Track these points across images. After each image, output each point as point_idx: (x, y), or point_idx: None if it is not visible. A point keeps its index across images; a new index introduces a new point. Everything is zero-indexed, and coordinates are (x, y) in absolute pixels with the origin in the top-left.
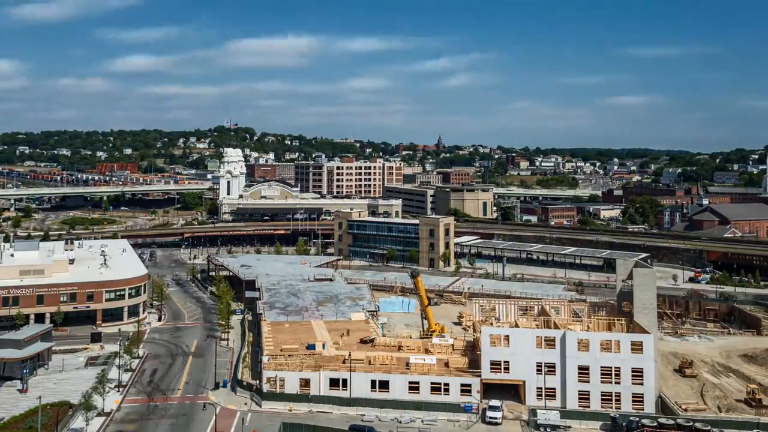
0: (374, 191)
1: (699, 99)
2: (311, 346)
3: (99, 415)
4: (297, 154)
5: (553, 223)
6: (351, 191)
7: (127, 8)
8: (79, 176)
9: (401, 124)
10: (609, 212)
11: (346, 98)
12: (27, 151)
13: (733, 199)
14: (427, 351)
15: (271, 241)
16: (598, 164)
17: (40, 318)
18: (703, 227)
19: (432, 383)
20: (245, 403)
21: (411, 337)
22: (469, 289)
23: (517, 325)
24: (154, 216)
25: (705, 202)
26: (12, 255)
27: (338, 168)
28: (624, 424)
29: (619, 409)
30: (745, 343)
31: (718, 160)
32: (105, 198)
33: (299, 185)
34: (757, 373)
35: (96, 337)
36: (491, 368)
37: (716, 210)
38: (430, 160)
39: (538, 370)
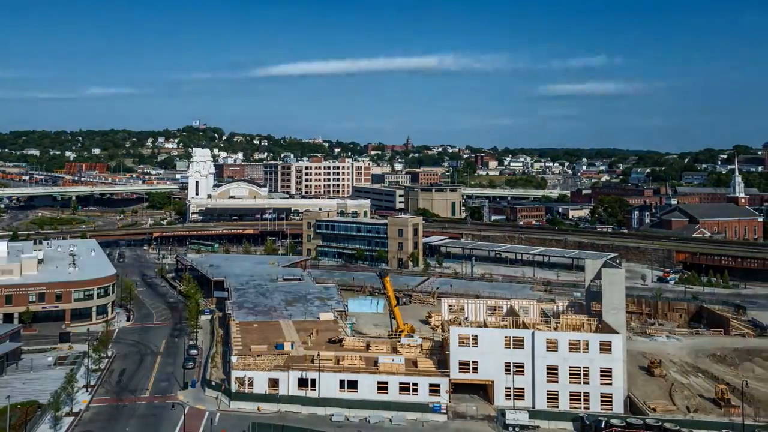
0: (343, 191)
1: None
2: (280, 346)
3: (68, 415)
4: (266, 154)
5: (521, 223)
6: (320, 191)
7: None
8: (48, 176)
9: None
10: (577, 212)
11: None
12: None
13: (701, 199)
14: (395, 351)
15: (239, 240)
16: (566, 164)
17: (8, 318)
18: (671, 227)
19: (400, 383)
20: (215, 401)
21: (380, 337)
22: (437, 289)
23: (485, 325)
24: (123, 216)
25: (673, 201)
26: None
27: (307, 168)
28: (592, 423)
29: (588, 409)
30: (713, 343)
31: (686, 160)
32: (74, 198)
33: (268, 185)
34: (725, 373)
35: (65, 337)
36: (460, 368)
37: (685, 210)
38: (399, 160)
39: (506, 370)
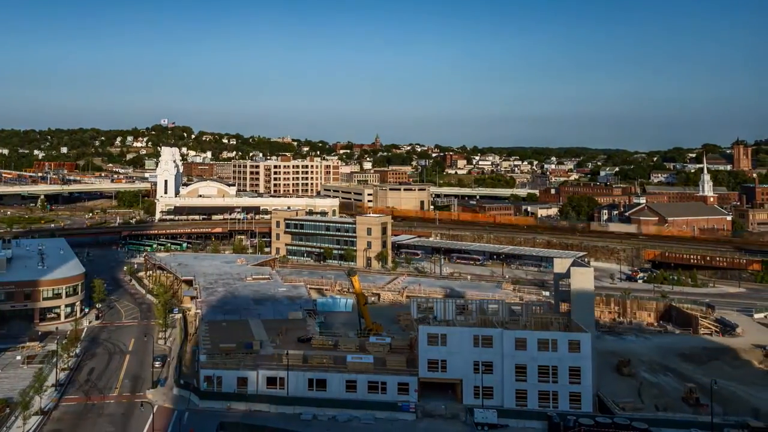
0: (312, 190)
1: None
2: (248, 345)
3: (37, 413)
4: (234, 152)
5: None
6: (289, 190)
7: None
8: (19, 175)
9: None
10: (546, 211)
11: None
12: None
13: (670, 197)
14: (364, 350)
15: (208, 239)
16: (535, 163)
17: None
18: (640, 225)
19: (369, 382)
20: (183, 400)
21: (348, 336)
22: (406, 287)
23: (454, 324)
24: (92, 215)
25: (642, 200)
26: None
27: (276, 167)
28: (561, 422)
29: (557, 407)
30: (681, 342)
31: (655, 159)
32: (42, 197)
33: (237, 184)
34: (694, 372)
35: (34, 336)
36: (429, 367)
37: (654, 208)
38: (368, 159)
39: (475, 368)
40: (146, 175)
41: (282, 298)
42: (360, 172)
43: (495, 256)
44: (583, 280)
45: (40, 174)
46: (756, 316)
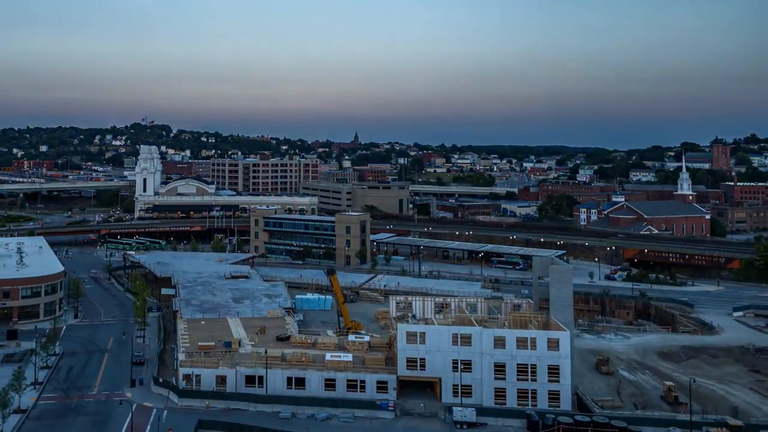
0: (291, 188)
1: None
2: (227, 343)
3: (15, 412)
4: (213, 151)
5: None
6: (268, 188)
7: None
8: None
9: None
10: (525, 209)
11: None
12: None
13: (649, 196)
14: (342, 348)
15: (187, 238)
16: (514, 161)
17: None
18: (619, 224)
19: (348, 380)
20: (162, 398)
21: (327, 334)
22: (385, 286)
23: (433, 323)
24: (71, 213)
25: (621, 199)
26: None
27: (254, 165)
28: (540, 420)
29: (536, 406)
30: (660, 341)
31: (634, 158)
32: (21, 195)
33: (216, 182)
34: (673, 370)
35: (12, 335)
36: (407, 365)
37: (632, 207)
38: (347, 158)
39: (454, 367)
40: (125, 173)
41: (261, 297)
42: (339, 170)
43: (474, 255)
44: (561, 278)
45: (18, 173)
46: (735, 314)
